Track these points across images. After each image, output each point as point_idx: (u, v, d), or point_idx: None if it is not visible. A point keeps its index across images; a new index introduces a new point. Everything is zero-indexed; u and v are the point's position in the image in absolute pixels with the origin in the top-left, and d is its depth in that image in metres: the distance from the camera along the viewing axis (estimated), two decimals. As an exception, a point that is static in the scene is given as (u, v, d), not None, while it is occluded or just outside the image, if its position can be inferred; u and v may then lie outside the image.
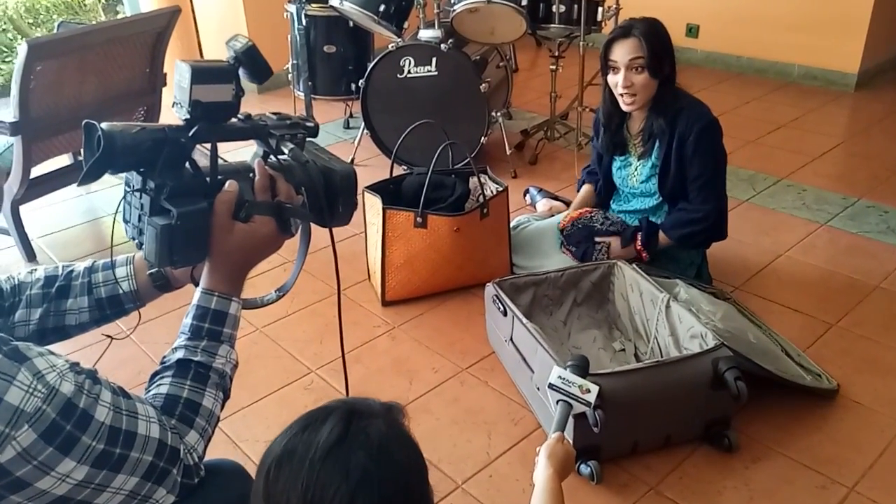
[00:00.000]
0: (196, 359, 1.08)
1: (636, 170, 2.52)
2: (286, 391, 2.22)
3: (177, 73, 1.05)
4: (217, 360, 1.10)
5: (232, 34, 1.17)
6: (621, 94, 2.38)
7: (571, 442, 1.82)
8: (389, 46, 3.40)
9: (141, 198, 1.06)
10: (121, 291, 1.26)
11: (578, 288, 2.38)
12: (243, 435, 2.03)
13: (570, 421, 1.78)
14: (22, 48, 2.46)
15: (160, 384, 1.07)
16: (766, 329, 2.31)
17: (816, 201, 3.24)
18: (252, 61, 1.10)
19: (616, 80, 2.37)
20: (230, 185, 1.10)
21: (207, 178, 1.09)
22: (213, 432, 1.10)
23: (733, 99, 4.48)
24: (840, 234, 2.99)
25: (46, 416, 0.86)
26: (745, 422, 2.01)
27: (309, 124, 1.20)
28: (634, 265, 2.32)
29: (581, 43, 3.45)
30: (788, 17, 4.62)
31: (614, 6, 3.66)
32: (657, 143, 2.42)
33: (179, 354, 1.08)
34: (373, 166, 3.63)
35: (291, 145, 1.16)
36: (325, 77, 3.95)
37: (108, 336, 1.28)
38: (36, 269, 1.27)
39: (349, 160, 3.71)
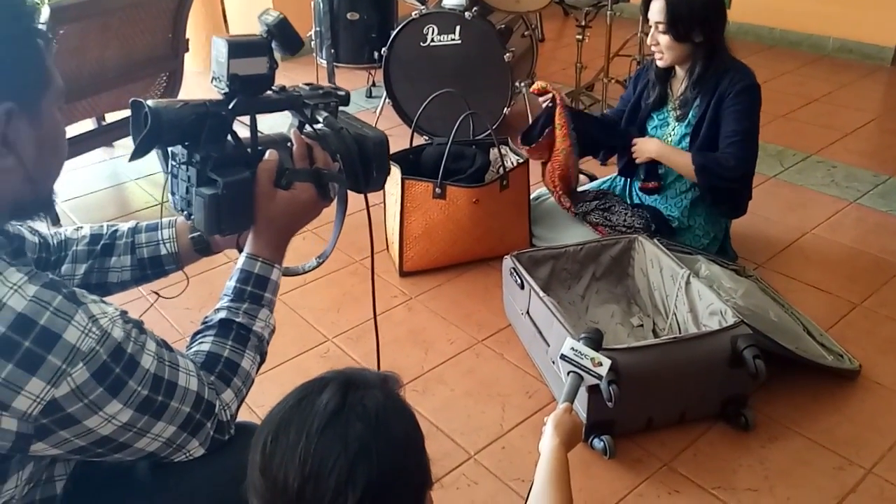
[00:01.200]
0: (238, 320, 1.12)
1: (673, 129, 2.47)
2: (302, 359, 2.23)
3: (213, 49, 1.09)
4: (257, 322, 1.14)
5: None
6: (651, 52, 2.40)
7: (585, 415, 1.82)
8: (413, 14, 3.36)
9: (188, 170, 1.11)
10: (162, 253, 1.32)
11: (598, 262, 2.36)
12: (259, 401, 2.03)
13: (584, 394, 1.78)
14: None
15: (202, 342, 1.12)
16: (788, 307, 2.27)
17: (846, 178, 3.17)
18: (284, 34, 1.13)
19: (650, 36, 2.39)
20: (270, 154, 1.15)
21: (249, 149, 1.15)
22: (247, 393, 1.14)
23: (765, 72, 4.35)
24: (869, 212, 2.92)
25: (99, 356, 0.89)
26: (763, 400, 1.98)
27: (340, 93, 1.23)
28: (656, 240, 2.29)
29: (608, 13, 3.38)
30: (825, -13, 4.49)
31: (643, -25, 3.57)
32: (696, 103, 2.38)
33: (222, 315, 1.12)
34: (394, 135, 3.54)
35: (325, 114, 1.19)
36: (348, 45, 3.90)
37: (156, 293, 1.35)
38: (81, 227, 1.32)
39: (371, 129, 3.69)
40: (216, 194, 1.09)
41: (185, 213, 1.16)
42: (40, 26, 0.93)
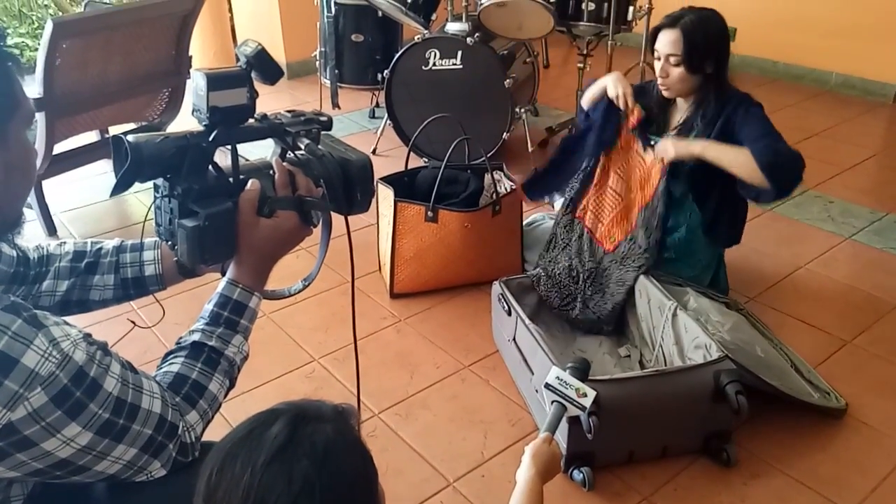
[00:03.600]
0: (210, 343, 1.13)
1: None
2: (287, 378, 2.23)
3: (193, 83, 1.10)
4: (230, 348, 1.15)
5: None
6: (659, 83, 2.35)
7: (565, 446, 1.81)
8: (416, 38, 3.39)
9: (170, 202, 1.12)
10: (147, 274, 1.33)
11: None
12: (241, 419, 2.04)
13: (565, 426, 1.77)
14: (48, 25, 2.49)
15: (172, 363, 1.11)
16: (777, 343, 2.26)
17: (843, 214, 3.16)
18: (263, 64, 1.15)
19: (657, 67, 2.33)
20: (252, 183, 1.16)
21: (231, 179, 1.16)
22: (213, 416, 1.14)
23: (767, 105, 4.23)
24: (864, 248, 2.91)
25: (59, 380, 0.89)
26: (747, 436, 1.97)
27: (322, 118, 1.25)
28: (646, 272, 2.28)
29: (609, 42, 3.40)
30: (829, 22, 4.51)
31: (646, 6, 3.60)
32: (696, 132, 2.32)
33: (195, 337, 1.13)
34: (393, 157, 3.63)
35: (307, 140, 1.21)
36: (352, 66, 3.94)
37: (133, 322, 1.35)
38: (65, 243, 1.32)
39: (371, 150, 3.71)
40: (198, 226, 1.09)
41: (170, 243, 1.17)
42: (9, 50, 0.94)
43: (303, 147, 1.21)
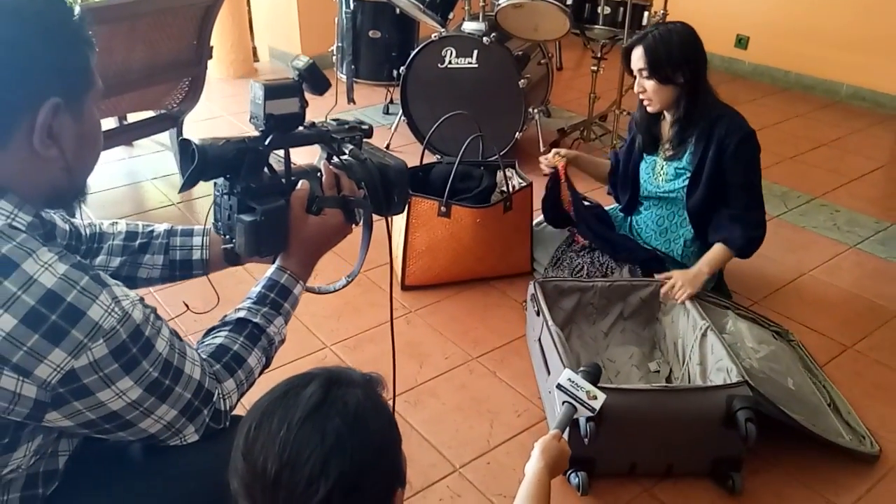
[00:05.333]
0: (254, 320, 1.22)
1: (662, 169, 2.49)
2: (299, 364, 2.29)
3: (251, 92, 1.21)
4: (271, 327, 1.24)
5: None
6: (640, 99, 2.44)
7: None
8: (433, 36, 3.44)
9: (230, 199, 1.24)
10: (194, 258, 1.44)
11: (627, 302, 2.34)
12: (254, 400, 2.09)
13: (567, 428, 1.79)
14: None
15: (215, 336, 1.20)
16: (821, 380, 2.21)
17: (848, 223, 3.21)
18: (313, 77, 1.26)
19: (636, 85, 2.41)
20: (303, 184, 1.28)
21: (283, 180, 1.28)
22: (248, 388, 1.22)
23: (777, 114, 4.43)
24: (868, 257, 2.96)
25: (118, 335, 0.96)
26: (762, 468, 1.93)
27: (364, 127, 1.38)
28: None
29: (623, 46, 3.44)
30: (841, 34, 4.55)
31: (661, 11, 3.64)
32: (691, 149, 2.40)
33: (241, 314, 1.23)
34: (407, 153, 3.68)
35: (351, 146, 1.35)
36: (369, 61, 4.00)
37: (186, 305, 1.51)
38: (117, 223, 1.43)
39: (384, 146, 3.76)
40: (255, 220, 1.21)
41: (227, 237, 1.28)
42: (88, 34, 1.03)
43: (347, 152, 1.34)
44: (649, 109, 2.42)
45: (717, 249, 2.37)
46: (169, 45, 3.02)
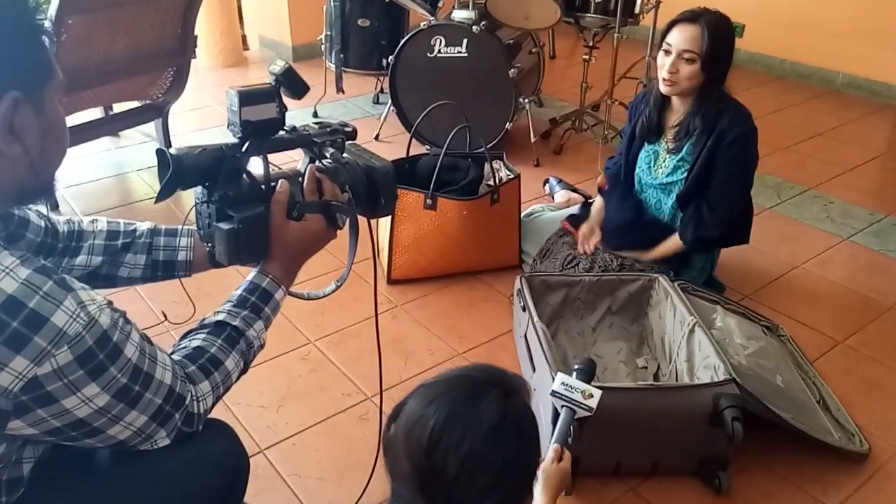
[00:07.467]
0: (234, 323, 1.20)
1: (664, 161, 2.44)
2: (283, 359, 2.25)
3: (227, 100, 1.20)
4: (251, 331, 1.22)
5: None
6: (664, 78, 2.28)
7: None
8: (422, 24, 3.39)
9: (208, 207, 1.23)
10: (178, 259, 1.41)
11: (615, 297, 2.30)
12: (235, 398, 2.06)
13: (549, 426, 1.74)
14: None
15: (192, 338, 1.18)
16: (811, 376, 2.18)
17: (842, 215, 3.17)
18: (290, 81, 1.24)
19: (664, 63, 2.27)
20: (281, 184, 1.26)
21: (263, 186, 1.26)
22: (223, 393, 1.19)
23: (772, 103, 4.39)
24: (861, 250, 2.92)
25: (84, 341, 0.94)
26: (748, 467, 1.90)
27: (347, 129, 1.36)
28: (677, 283, 2.23)
29: (616, 35, 3.40)
30: (837, 23, 4.50)
31: (654, 0, 3.59)
32: (692, 140, 2.34)
33: (220, 317, 1.21)
34: (396, 143, 3.64)
35: (332, 150, 1.32)
36: (358, 50, 3.94)
37: (164, 315, 1.52)
38: (97, 220, 1.39)
39: (374, 136, 3.72)
40: (233, 229, 1.20)
41: (209, 245, 1.26)
42: (44, 23, 0.99)
43: (328, 156, 1.31)
44: (666, 91, 2.31)
45: (672, 239, 2.42)
46: (152, 34, 2.97)
